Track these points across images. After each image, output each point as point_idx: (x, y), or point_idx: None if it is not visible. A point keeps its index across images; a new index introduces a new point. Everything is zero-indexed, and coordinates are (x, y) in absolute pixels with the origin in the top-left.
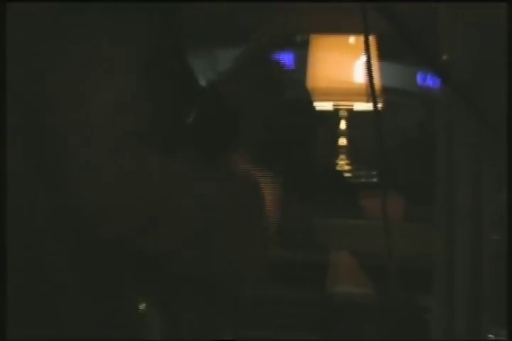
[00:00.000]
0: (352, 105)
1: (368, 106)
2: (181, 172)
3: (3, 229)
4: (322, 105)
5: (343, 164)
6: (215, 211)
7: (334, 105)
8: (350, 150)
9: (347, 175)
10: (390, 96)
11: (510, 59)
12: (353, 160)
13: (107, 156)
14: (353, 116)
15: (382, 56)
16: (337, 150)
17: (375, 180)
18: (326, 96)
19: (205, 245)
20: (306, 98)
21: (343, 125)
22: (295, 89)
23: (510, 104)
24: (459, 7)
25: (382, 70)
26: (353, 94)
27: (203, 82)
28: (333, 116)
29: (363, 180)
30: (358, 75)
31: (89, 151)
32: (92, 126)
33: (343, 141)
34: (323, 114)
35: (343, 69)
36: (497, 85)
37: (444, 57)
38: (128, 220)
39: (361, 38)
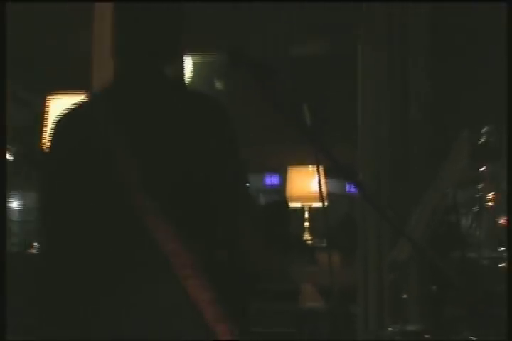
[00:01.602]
0: (311, 204)
1: (319, 204)
2: None
3: (3, 230)
4: (295, 205)
5: (307, 236)
6: None
7: (301, 204)
8: (311, 229)
9: (309, 242)
10: (331, 197)
11: (510, 59)
12: (312, 234)
13: None
14: (312, 210)
15: (327, 176)
16: (304, 228)
17: (324, 244)
18: (297, 200)
19: None
20: (285, 201)
21: (306, 215)
22: (280, 196)
23: (511, 104)
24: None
25: (326, 184)
26: (311, 198)
27: None
28: (301, 210)
29: (318, 245)
30: (314, 187)
31: None
32: None
33: (306, 224)
34: (295, 209)
35: (305, 185)
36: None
37: (360, 174)
38: None
39: (315, 167)
